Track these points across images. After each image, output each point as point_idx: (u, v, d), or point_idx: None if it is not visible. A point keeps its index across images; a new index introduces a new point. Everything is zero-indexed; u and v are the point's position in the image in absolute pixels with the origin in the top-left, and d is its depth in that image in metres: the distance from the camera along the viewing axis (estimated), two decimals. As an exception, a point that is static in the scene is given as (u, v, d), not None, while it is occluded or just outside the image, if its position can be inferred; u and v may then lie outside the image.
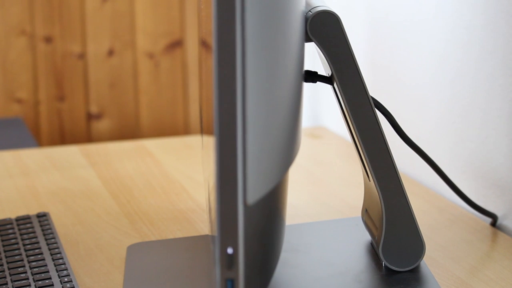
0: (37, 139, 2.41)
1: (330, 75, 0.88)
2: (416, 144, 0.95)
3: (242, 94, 0.62)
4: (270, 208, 0.71)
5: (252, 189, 0.64)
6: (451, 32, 1.15)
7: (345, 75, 0.86)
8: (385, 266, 0.92)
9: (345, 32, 0.85)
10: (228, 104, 0.62)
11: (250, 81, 0.63)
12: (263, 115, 0.66)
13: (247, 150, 0.63)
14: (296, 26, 0.77)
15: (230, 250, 0.64)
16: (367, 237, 1.00)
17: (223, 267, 0.64)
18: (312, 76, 0.89)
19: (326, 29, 0.84)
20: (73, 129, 2.45)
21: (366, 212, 0.98)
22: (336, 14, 0.84)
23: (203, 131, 0.95)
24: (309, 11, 0.84)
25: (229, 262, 0.64)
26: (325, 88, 1.57)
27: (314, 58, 1.23)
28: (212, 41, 0.62)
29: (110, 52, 2.44)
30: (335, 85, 0.87)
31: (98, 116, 2.47)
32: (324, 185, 1.25)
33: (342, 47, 0.85)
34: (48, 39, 2.38)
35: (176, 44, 2.47)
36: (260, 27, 0.65)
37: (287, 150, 0.72)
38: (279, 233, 0.76)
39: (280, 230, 0.77)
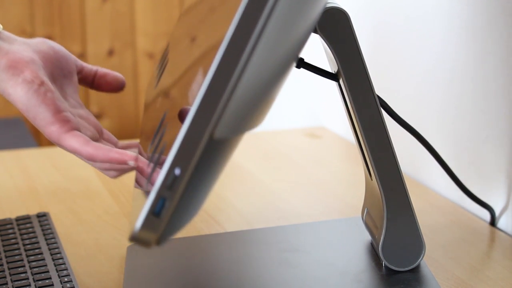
0: (37, 139, 2.41)
1: (336, 71, 0.89)
2: (410, 125, 0.94)
3: (252, 46, 0.65)
4: (218, 158, 0.73)
5: (222, 125, 0.66)
6: (451, 32, 1.15)
7: (352, 72, 0.87)
8: (385, 266, 0.92)
9: (354, 30, 0.85)
10: (237, 49, 0.65)
11: (263, 39, 0.65)
12: (259, 70, 0.68)
13: (236, 90, 0.66)
14: (315, 16, 0.78)
15: (177, 171, 0.66)
16: (367, 237, 1.00)
17: (164, 184, 0.66)
18: (298, 62, 0.89)
19: (334, 26, 0.85)
20: (73, 129, 2.45)
21: (366, 211, 0.98)
22: (345, 11, 0.84)
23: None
24: None
25: (172, 181, 0.66)
26: (325, 88, 1.57)
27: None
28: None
29: (110, 52, 2.44)
30: (341, 81, 0.88)
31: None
32: (324, 185, 1.25)
33: (350, 44, 0.86)
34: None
35: (176, 44, 2.47)
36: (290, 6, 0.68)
37: (259, 114, 0.74)
38: (208, 189, 0.77)
39: (209, 189, 0.78)
